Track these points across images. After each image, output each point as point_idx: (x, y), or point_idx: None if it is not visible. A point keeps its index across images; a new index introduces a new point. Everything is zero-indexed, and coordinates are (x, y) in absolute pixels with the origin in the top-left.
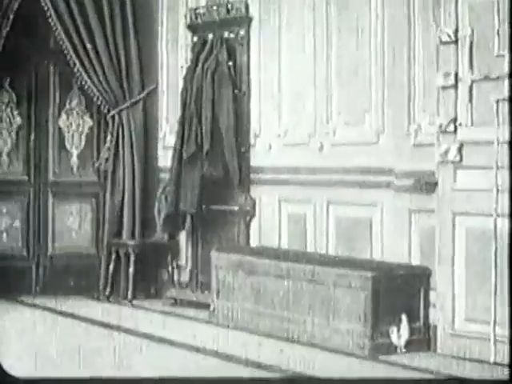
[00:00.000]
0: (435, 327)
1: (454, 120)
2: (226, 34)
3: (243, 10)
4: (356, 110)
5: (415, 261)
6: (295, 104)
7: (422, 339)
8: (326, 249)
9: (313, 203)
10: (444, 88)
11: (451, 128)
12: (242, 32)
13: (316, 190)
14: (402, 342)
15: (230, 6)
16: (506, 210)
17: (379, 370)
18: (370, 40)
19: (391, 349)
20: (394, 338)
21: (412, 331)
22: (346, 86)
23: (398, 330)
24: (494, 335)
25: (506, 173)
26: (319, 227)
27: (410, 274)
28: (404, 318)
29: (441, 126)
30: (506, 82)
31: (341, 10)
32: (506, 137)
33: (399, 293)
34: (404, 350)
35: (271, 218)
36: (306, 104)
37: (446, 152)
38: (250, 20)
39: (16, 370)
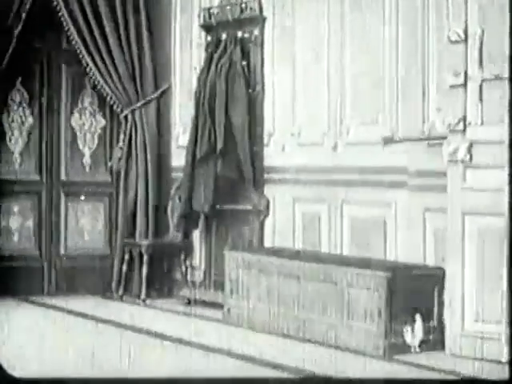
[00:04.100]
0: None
1: (464, 119)
2: (239, 34)
3: (257, 9)
4: (370, 110)
5: (430, 260)
6: (309, 103)
7: (437, 339)
8: (340, 248)
9: (327, 203)
10: (453, 87)
11: (460, 127)
12: (256, 31)
13: (330, 190)
14: (417, 341)
15: (243, 5)
16: None
17: (394, 370)
18: (383, 39)
19: (406, 348)
20: (408, 337)
21: (426, 331)
22: (360, 85)
23: (413, 330)
24: (510, 334)
25: None
26: (333, 227)
27: (425, 274)
28: (418, 317)
29: (450, 125)
30: None
31: (355, 9)
32: None
33: (413, 292)
34: (418, 350)
35: (285, 217)
36: (319, 103)
37: (455, 151)
38: (263, 19)
39: (26, 370)
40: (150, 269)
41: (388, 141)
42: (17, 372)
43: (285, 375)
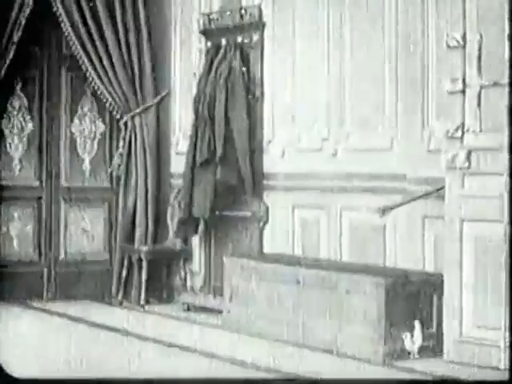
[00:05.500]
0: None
1: (462, 126)
2: (239, 40)
3: (256, 15)
4: (369, 116)
5: (429, 267)
6: (309, 109)
7: (436, 345)
8: (339, 255)
9: (326, 209)
10: (451, 93)
11: (458, 134)
12: (256, 37)
13: (329, 196)
14: (416, 347)
15: (243, 11)
16: None
17: (392, 376)
18: (383, 46)
19: (404, 354)
20: (407, 343)
21: (425, 337)
22: (360, 91)
23: (412, 336)
24: (510, 340)
25: None
26: (332, 233)
27: (424, 280)
28: (417, 323)
29: (448, 132)
30: None
31: (354, 15)
32: None
33: (412, 299)
34: (417, 356)
35: (284, 223)
36: (319, 109)
37: (453, 158)
38: (263, 25)
39: (27, 374)
40: (150, 274)
41: (385, 210)
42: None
43: (284, 381)
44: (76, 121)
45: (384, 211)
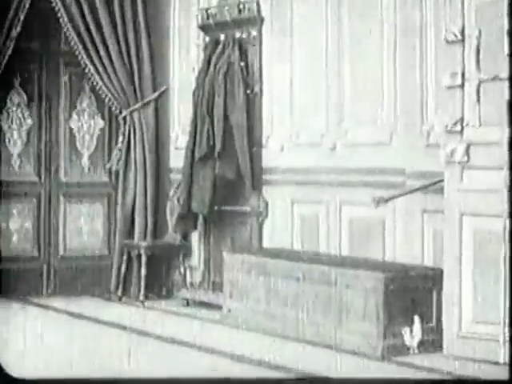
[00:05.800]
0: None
1: (461, 120)
2: (237, 35)
3: (255, 10)
4: (369, 111)
5: (428, 261)
6: (307, 104)
7: (435, 340)
8: (338, 250)
9: (325, 204)
10: (450, 88)
11: (458, 128)
12: (254, 32)
13: (328, 191)
14: (415, 342)
15: (241, 6)
16: None
17: (392, 371)
18: (382, 40)
19: (404, 349)
20: (406, 338)
21: (425, 332)
22: (359, 85)
23: (411, 331)
24: (510, 335)
25: None
26: (332, 228)
27: (423, 275)
28: (417, 318)
29: (447, 126)
30: None
31: (353, 9)
32: None
33: (412, 293)
34: (417, 351)
35: (284, 218)
36: (318, 104)
37: (453, 152)
38: (261, 20)
39: (26, 371)
40: (149, 270)
41: (380, 201)
42: (16, 372)
43: (283, 376)
44: (75, 116)
45: (379, 202)
